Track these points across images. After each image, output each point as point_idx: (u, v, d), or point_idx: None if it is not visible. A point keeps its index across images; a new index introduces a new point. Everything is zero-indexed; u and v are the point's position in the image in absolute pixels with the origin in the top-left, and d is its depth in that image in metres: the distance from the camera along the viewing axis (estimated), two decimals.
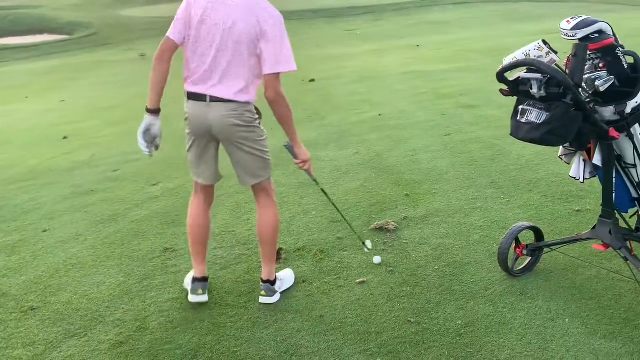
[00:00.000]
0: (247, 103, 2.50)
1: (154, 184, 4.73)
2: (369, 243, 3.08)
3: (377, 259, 2.98)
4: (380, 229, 3.33)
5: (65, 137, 7.39)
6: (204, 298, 2.73)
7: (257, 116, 2.59)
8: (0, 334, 2.65)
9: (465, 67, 9.51)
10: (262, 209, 2.76)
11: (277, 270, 2.96)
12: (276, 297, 2.71)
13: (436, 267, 2.88)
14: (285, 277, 2.84)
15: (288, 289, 2.81)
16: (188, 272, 3.00)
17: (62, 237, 3.79)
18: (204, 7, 2.41)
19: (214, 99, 2.45)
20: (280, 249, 3.22)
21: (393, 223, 3.38)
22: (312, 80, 9.99)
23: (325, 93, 8.40)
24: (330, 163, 4.74)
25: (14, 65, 22.66)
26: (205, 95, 2.47)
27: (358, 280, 2.82)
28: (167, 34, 2.47)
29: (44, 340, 2.56)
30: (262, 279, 2.73)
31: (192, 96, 2.53)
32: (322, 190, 3.05)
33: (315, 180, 2.85)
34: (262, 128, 2.65)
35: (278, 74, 2.41)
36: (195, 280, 2.76)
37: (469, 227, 3.27)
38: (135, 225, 3.83)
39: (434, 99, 6.91)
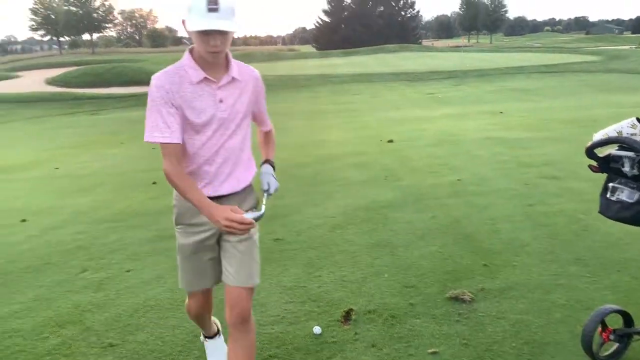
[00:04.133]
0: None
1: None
2: (317, 329, 3.01)
3: (316, 330, 2.98)
4: (456, 299, 3.24)
5: (154, 183, 7.83)
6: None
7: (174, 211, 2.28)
8: None
9: (550, 136, 9.25)
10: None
11: (347, 332, 2.94)
12: None
13: (513, 344, 2.74)
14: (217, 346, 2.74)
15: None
16: (260, 323, 3.03)
17: (143, 278, 3.96)
18: None
19: None
20: (351, 309, 3.20)
21: (469, 293, 3.27)
22: (391, 141, 10.07)
23: (403, 155, 8.42)
24: (405, 225, 4.70)
25: (114, 113, 24.51)
26: None
27: (430, 351, 2.73)
28: None
29: None
30: None
31: None
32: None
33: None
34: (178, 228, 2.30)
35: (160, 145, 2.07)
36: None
37: (550, 305, 3.11)
38: None
39: (516, 167, 6.74)
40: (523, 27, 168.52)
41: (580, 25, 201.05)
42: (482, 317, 3.03)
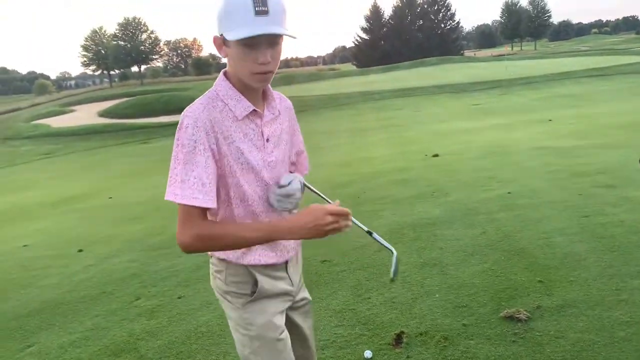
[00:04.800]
0: (216, 259, 1.76)
1: None
2: (368, 353, 2.95)
3: (367, 354, 2.92)
4: (511, 318, 3.12)
5: None
6: None
7: (230, 279, 1.73)
8: None
9: (603, 143, 8.91)
10: None
11: (399, 355, 2.88)
12: None
13: None
14: None
15: None
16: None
17: (194, 304, 4.02)
18: None
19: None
20: (402, 332, 3.13)
21: (525, 312, 3.15)
22: (436, 155, 9.93)
23: (449, 169, 8.28)
24: (454, 243, 4.59)
25: (164, 141, 25.27)
26: None
27: None
28: None
29: None
30: None
31: None
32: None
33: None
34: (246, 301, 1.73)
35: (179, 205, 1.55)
36: None
37: (612, 322, 2.95)
38: None
39: (568, 177, 6.50)
40: (568, 32, 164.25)
41: (629, 25, 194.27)
42: (540, 336, 2.90)
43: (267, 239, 1.58)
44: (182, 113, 1.57)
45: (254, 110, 1.63)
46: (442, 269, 4.05)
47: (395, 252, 1.86)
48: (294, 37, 1.53)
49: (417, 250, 4.56)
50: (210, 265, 1.78)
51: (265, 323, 1.72)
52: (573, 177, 6.44)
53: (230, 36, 1.49)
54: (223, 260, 1.71)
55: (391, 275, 1.89)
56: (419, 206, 6.04)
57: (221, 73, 1.65)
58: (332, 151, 14.31)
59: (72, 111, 49.12)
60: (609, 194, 5.47)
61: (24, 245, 6.97)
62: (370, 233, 1.84)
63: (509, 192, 6.06)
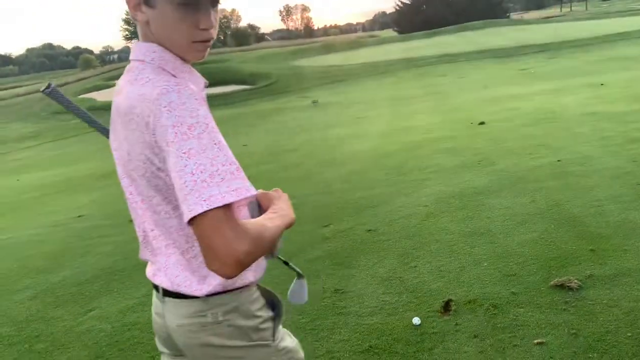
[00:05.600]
0: (215, 296, 1.29)
1: (325, 226, 4.94)
2: (416, 319, 2.99)
3: (416, 320, 2.96)
4: (561, 287, 3.08)
5: None
6: None
7: (254, 308, 1.36)
8: None
9: None
10: None
11: (447, 322, 2.90)
12: None
13: (629, 334, 2.57)
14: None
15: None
16: (358, 314, 3.07)
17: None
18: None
19: (165, 292, 1.34)
20: (450, 300, 3.14)
21: (576, 281, 3.10)
22: (482, 123, 9.71)
23: (496, 136, 8.10)
24: (503, 211, 4.53)
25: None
26: (155, 285, 1.38)
27: (536, 341, 2.62)
28: None
29: None
30: None
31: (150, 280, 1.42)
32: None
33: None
34: (276, 336, 1.42)
35: (202, 217, 1.03)
36: None
37: None
38: (309, 265, 4.02)
39: (623, 143, 6.26)
40: None
41: None
42: (592, 305, 2.86)
43: (284, 225, 1.27)
44: (162, 90, 1.11)
45: (205, 83, 1.34)
46: (490, 237, 4.02)
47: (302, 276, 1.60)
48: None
49: (464, 219, 4.53)
50: (205, 318, 1.29)
51: (295, 344, 1.52)
52: (627, 144, 6.20)
53: None
54: (242, 287, 1.32)
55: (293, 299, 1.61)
56: (465, 175, 5.96)
57: (145, 44, 1.25)
58: (374, 121, 14.18)
59: (115, 85, 50.25)
60: None
61: (79, 216, 7.27)
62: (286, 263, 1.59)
63: (558, 160, 5.89)
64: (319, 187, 6.70)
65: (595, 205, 4.30)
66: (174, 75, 1.21)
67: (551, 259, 3.48)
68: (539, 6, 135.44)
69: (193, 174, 1.05)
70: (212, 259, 1.05)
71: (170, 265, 1.31)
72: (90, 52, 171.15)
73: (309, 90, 28.03)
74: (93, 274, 4.62)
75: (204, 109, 1.12)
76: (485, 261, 3.62)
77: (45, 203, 9.34)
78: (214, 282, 1.27)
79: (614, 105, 9.40)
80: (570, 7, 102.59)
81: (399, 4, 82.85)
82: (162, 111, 1.10)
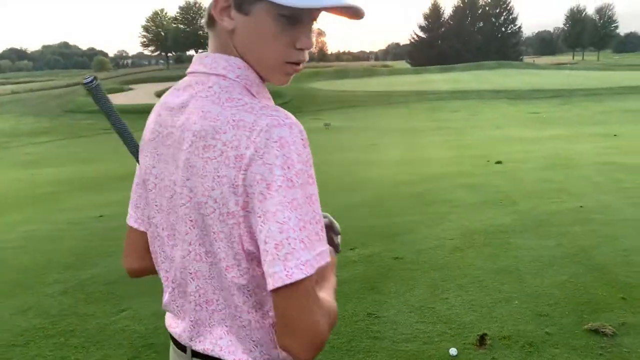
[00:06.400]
0: None
1: (351, 249, 5.02)
2: (453, 350, 3.05)
3: (453, 351, 3.01)
4: (596, 332, 3.15)
5: None
6: None
7: None
8: None
9: None
10: None
11: (484, 356, 2.96)
12: None
13: None
14: None
15: None
16: (393, 340, 3.13)
17: None
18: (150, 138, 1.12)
19: (196, 353, 1.10)
20: (485, 334, 3.20)
21: (610, 327, 3.17)
22: (499, 162, 9.86)
23: (514, 177, 8.22)
24: (529, 252, 4.61)
25: None
26: (183, 346, 1.12)
27: None
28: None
29: None
30: None
31: (171, 334, 1.17)
32: None
33: None
34: None
35: (297, 285, 0.89)
36: None
37: None
38: (339, 287, 4.08)
39: None
40: (635, 44, 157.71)
41: None
42: (628, 353, 2.92)
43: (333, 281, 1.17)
44: (273, 121, 0.93)
45: None
46: (518, 276, 4.09)
47: None
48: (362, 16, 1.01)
49: (491, 256, 4.60)
50: None
51: None
52: None
53: (293, 1, 0.94)
54: None
55: None
56: (487, 213, 6.05)
57: (225, 56, 1.03)
58: (387, 149, 14.35)
59: (130, 89, 50.73)
60: None
61: (100, 216, 7.34)
62: None
63: (581, 206, 6.00)
64: (339, 211, 6.74)
65: (622, 254, 4.39)
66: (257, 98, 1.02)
67: (582, 303, 3.55)
68: (552, 52, 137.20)
69: (294, 231, 0.89)
70: (291, 335, 0.90)
71: (214, 324, 1.06)
72: (105, 54, 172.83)
73: (321, 112, 28.33)
74: (122, 274, 4.65)
75: (309, 152, 0.95)
76: (515, 299, 3.69)
77: (61, 200, 9.43)
78: (260, 357, 1.04)
79: (630, 157, 9.54)
80: (583, 55, 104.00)
81: (415, 36, 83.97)
82: (271, 147, 0.91)
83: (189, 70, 1.08)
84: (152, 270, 1.24)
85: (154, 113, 1.13)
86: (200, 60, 1.06)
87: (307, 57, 1.05)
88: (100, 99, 1.17)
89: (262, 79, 1.06)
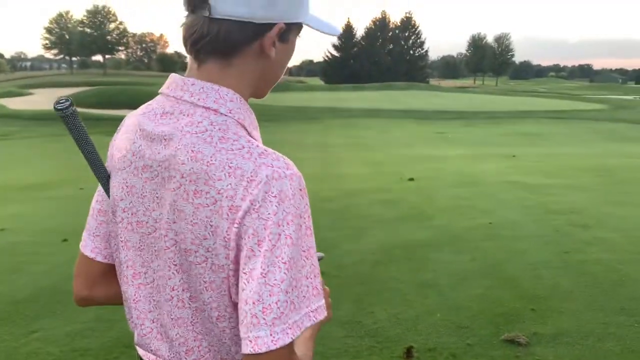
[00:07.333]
0: None
1: None
2: None
3: None
4: (512, 341, 3.36)
5: None
6: None
7: None
8: None
9: (570, 183, 9.44)
10: None
11: None
12: None
13: None
14: None
15: None
16: (323, 355, 3.14)
17: None
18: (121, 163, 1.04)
19: None
20: (411, 346, 3.31)
21: (524, 337, 3.39)
22: (411, 179, 10.26)
23: (427, 194, 8.59)
24: (447, 266, 4.84)
25: None
26: None
27: None
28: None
29: None
30: None
31: None
32: None
33: None
34: None
35: (280, 349, 0.84)
36: None
37: (605, 353, 3.23)
38: None
39: (544, 213, 6.90)
40: (528, 72, 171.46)
41: (584, 72, 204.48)
42: None
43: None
44: (273, 173, 0.88)
45: None
46: (438, 290, 4.28)
47: None
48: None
49: (411, 270, 4.78)
50: None
51: None
52: (548, 214, 6.84)
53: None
54: None
55: None
56: (405, 227, 6.28)
57: (216, 86, 0.96)
58: (304, 164, 14.42)
59: (29, 94, 47.51)
60: (584, 234, 5.86)
61: (1, 229, 6.79)
62: None
63: (490, 222, 6.38)
64: None
65: (530, 268, 4.72)
66: (250, 136, 0.96)
67: (498, 315, 3.78)
68: (455, 76, 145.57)
69: (285, 293, 0.84)
70: None
71: None
72: (1, 55, 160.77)
73: None
74: (30, 292, 4.35)
75: (307, 202, 0.91)
76: (437, 312, 3.85)
77: None
78: None
79: (529, 177, 10.30)
80: (483, 80, 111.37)
81: (329, 55, 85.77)
82: (270, 201, 0.86)
83: (165, 91, 1.00)
84: (100, 302, 1.18)
85: (125, 137, 1.03)
86: (184, 86, 0.97)
87: None
88: (76, 127, 1.04)
89: (255, 95, 1.04)
